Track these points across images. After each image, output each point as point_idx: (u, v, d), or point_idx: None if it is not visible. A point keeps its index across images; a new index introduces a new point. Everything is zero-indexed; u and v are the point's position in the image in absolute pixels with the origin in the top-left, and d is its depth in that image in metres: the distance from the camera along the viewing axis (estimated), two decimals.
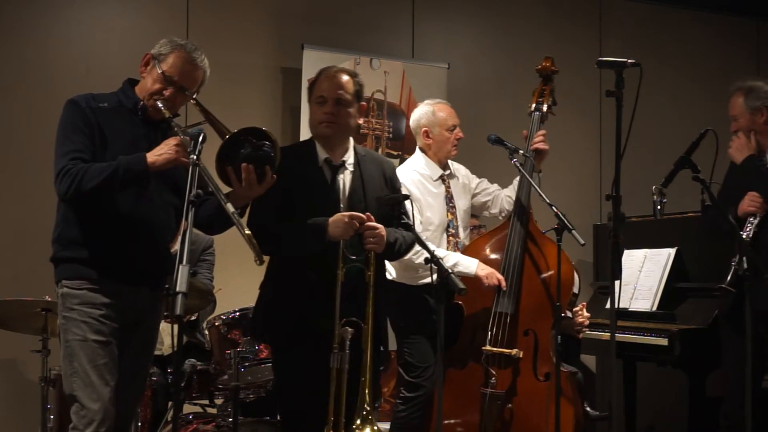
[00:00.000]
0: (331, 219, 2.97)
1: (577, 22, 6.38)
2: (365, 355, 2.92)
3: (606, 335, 4.32)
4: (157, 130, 2.95)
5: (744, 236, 3.54)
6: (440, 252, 3.86)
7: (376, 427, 2.85)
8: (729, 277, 3.51)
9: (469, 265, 3.84)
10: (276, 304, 3.10)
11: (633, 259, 4.69)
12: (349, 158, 3.16)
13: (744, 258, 3.42)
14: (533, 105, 4.09)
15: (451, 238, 4.02)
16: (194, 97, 2.97)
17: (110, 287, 2.84)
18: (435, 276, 3.01)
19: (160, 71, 2.90)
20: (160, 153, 2.76)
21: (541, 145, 3.99)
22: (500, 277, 3.81)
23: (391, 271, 4.02)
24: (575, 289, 3.93)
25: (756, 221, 3.63)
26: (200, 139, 2.62)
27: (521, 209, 3.91)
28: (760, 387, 3.68)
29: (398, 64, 5.65)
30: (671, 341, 4.17)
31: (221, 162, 2.77)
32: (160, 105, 2.87)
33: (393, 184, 3.26)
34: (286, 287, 3.06)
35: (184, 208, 2.45)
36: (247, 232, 2.54)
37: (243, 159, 2.75)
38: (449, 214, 4.05)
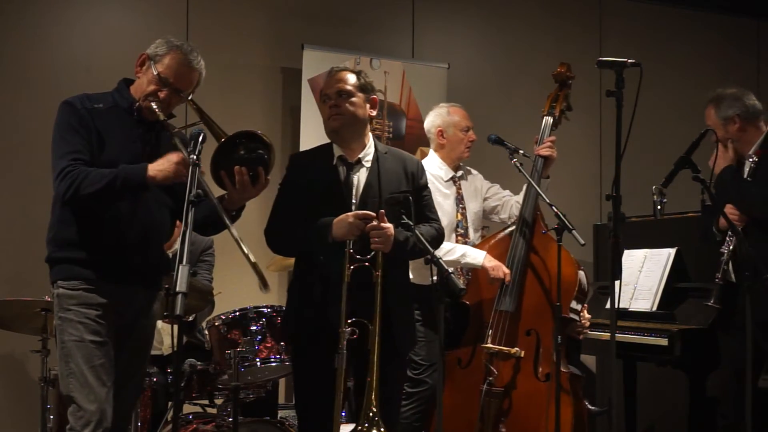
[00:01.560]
0: (335, 219, 2.97)
1: (577, 23, 6.38)
2: (372, 355, 2.90)
3: (606, 335, 4.32)
4: (151, 131, 2.95)
5: (723, 249, 3.60)
6: (447, 245, 3.87)
7: (382, 429, 2.84)
8: (713, 298, 3.55)
9: (477, 256, 3.88)
10: (298, 305, 3.12)
11: (633, 259, 4.69)
12: (367, 155, 3.14)
13: (730, 269, 3.52)
14: (546, 109, 4.09)
15: (459, 238, 4.08)
16: (190, 98, 2.97)
17: (106, 287, 2.84)
18: (435, 276, 3.02)
19: (155, 72, 2.89)
20: (161, 169, 2.76)
21: (544, 152, 3.99)
22: (506, 270, 3.82)
23: None
24: (585, 290, 3.94)
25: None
26: (200, 138, 2.62)
27: (528, 211, 3.92)
28: (756, 387, 3.69)
29: (398, 64, 5.65)
30: (671, 341, 4.16)
31: (215, 166, 2.77)
32: (155, 106, 2.87)
33: (416, 180, 3.21)
34: (308, 289, 3.08)
35: (184, 208, 2.45)
36: (253, 260, 2.51)
37: (236, 162, 2.76)
38: (459, 214, 4.10)
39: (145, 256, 2.92)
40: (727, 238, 3.73)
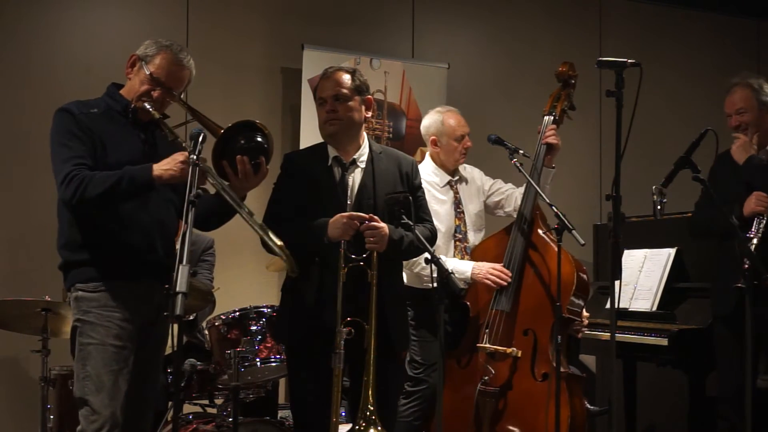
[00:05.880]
0: (331, 220, 2.97)
1: (577, 23, 6.38)
2: (368, 354, 2.91)
3: (606, 335, 4.32)
4: (147, 131, 2.96)
5: (752, 236, 3.53)
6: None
7: (380, 428, 2.85)
8: (741, 279, 3.41)
9: (464, 270, 3.86)
10: (293, 305, 3.12)
11: (633, 259, 4.69)
12: (362, 156, 3.14)
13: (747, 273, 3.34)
14: (547, 108, 4.07)
15: (458, 243, 4.04)
16: (181, 96, 2.97)
17: (126, 287, 2.85)
18: (435, 276, 3.02)
19: (147, 73, 2.90)
20: (166, 168, 2.75)
21: (551, 140, 3.99)
22: (498, 266, 3.80)
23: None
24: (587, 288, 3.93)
25: (765, 220, 3.61)
26: (200, 138, 2.62)
27: (526, 209, 3.91)
28: (755, 387, 3.68)
29: (398, 64, 5.65)
30: (671, 341, 4.16)
31: (216, 158, 2.79)
32: (149, 106, 2.88)
33: (410, 180, 3.22)
34: (302, 288, 3.07)
35: (184, 207, 2.45)
36: (279, 243, 2.55)
37: (237, 151, 2.78)
38: (457, 219, 4.07)
39: (158, 251, 2.92)
40: (754, 224, 3.65)
